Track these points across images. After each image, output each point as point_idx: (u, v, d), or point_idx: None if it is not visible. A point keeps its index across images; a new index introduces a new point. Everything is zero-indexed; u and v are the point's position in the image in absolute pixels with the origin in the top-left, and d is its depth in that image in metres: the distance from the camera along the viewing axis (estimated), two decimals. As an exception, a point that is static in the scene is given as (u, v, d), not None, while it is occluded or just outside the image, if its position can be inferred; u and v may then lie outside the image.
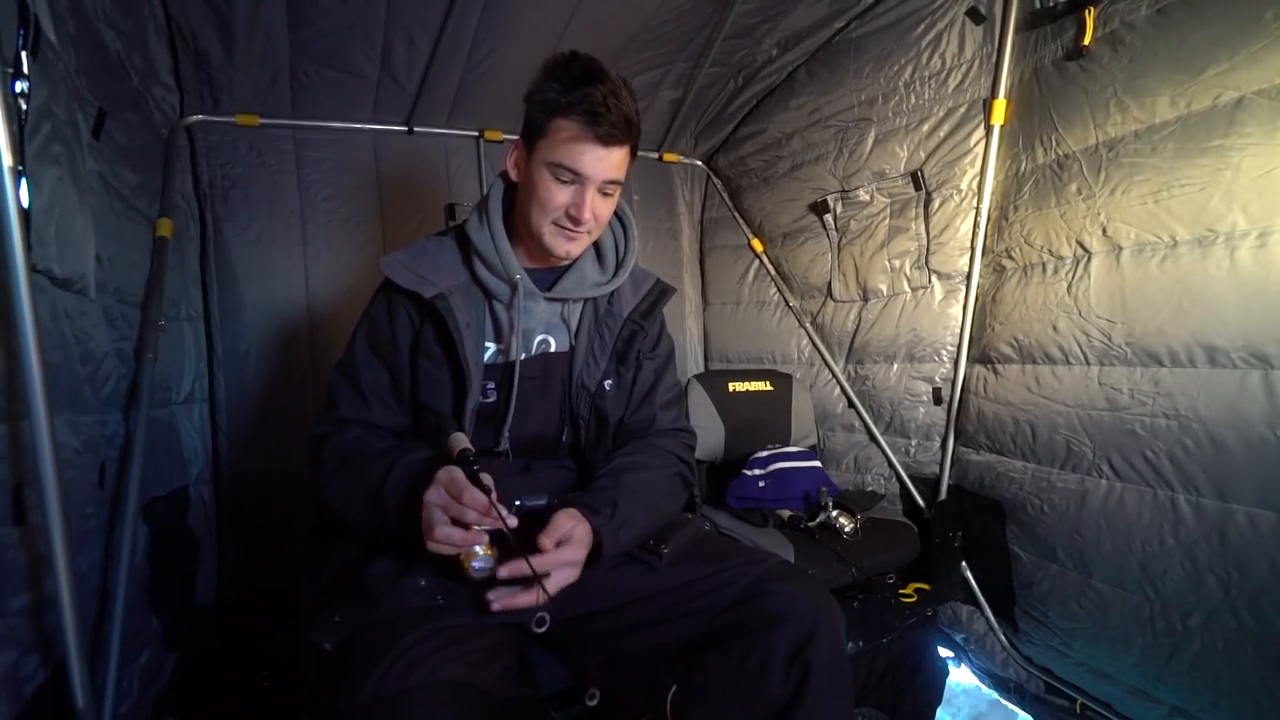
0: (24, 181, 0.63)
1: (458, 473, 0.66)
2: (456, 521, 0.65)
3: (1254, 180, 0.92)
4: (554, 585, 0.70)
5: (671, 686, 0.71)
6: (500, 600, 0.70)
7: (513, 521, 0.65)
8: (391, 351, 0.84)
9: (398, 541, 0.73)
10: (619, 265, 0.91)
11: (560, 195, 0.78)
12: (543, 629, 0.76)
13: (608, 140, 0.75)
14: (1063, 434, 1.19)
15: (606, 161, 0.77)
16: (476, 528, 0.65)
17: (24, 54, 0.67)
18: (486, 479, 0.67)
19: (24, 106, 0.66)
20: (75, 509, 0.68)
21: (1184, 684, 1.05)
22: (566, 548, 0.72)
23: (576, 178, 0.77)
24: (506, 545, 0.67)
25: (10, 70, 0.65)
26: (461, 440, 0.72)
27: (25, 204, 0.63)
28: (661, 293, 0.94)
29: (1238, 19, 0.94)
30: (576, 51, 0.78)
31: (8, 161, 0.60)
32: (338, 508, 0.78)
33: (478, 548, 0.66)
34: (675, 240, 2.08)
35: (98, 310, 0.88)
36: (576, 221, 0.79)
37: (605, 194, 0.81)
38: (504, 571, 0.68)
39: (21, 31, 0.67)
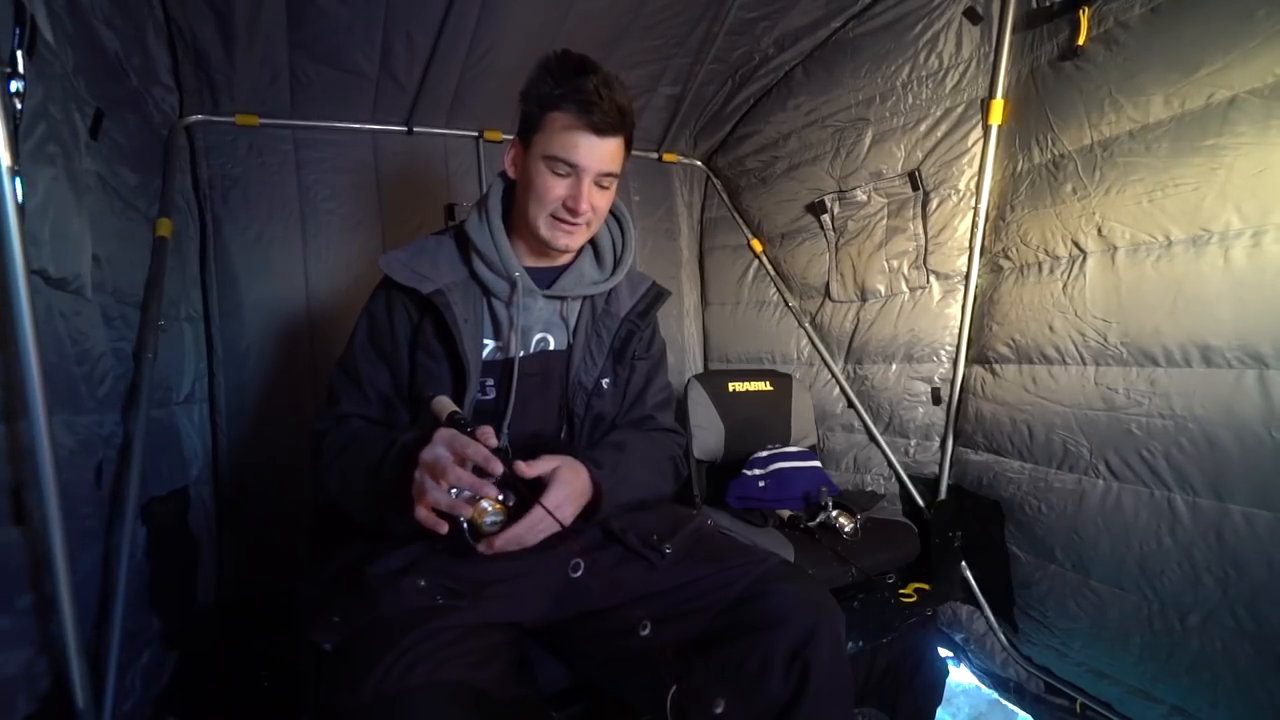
0: (18, 181, 0.63)
1: (456, 432, 0.66)
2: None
3: (1247, 179, 0.93)
4: (536, 538, 0.70)
5: (671, 686, 0.71)
6: (502, 539, 0.69)
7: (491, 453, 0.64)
8: (391, 348, 0.84)
9: (397, 536, 0.73)
10: (616, 264, 0.92)
11: (557, 188, 0.79)
12: (578, 574, 0.76)
13: (601, 129, 0.76)
14: (1060, 434, 1.19)
15: (601, 151, 0.78)
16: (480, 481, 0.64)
17: (19, 53, 0.67)
18: (485, 431, 0.66)
19: (19, 106, 0.66)
20: (73, 509, 0.68)
21: (1183, 683, 1.05)
22: (553, 489, 0.72)
23: (572, 169, 0.78)
24: (513, 504, 0.68)
25: (6, 70, 0.65)
26: (448, 404, 0.72)
27: (20, 203, 0.63)
28: (657, 295, 0.95)
29: (1230, 17, 0.94)
30: (568, 50, 0.79)
31: (6, 161, 0.60)
32: (336, 492, 0.78)
33: (486, 504, 0.66)
34: (674, 240, 2.08)
35: (95, 310, 0.88)
36: (574, 213, 0.80)
37: (602, 186, 0.81)
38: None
39: (18, 30, 0.67)
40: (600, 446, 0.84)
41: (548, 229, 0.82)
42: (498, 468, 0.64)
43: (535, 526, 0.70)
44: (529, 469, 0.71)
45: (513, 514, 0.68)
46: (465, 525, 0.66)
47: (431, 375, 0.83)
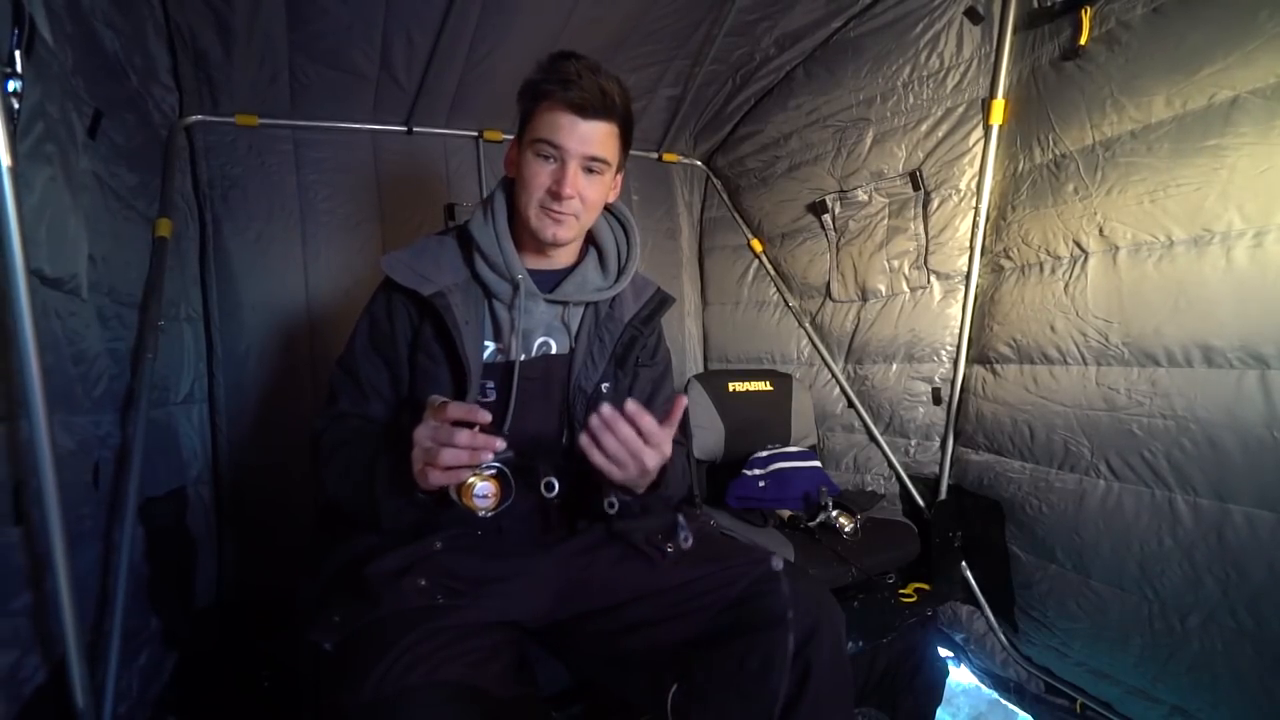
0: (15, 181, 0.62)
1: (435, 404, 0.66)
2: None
3: (1249, 180, 0.93)
4: (616, 458, 0.68)
5: (672, 685, 0.71)
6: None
7: (500, 445, 0.64)
8: (391, 349, 0.84)
9: (396, 535, 0.73)
10: (621, 270, 0.91)
11: (542, 173, 0.78)
12: (553, 494, 0.77)
13: (583, 110, 0.75)
14: (1061, 434, 1.19)
15: (584, 132, 0.76)
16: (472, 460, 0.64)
17: (17, 53, 0.66)
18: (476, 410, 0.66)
19: (16, 105, 0.66)
20: (70, 510, 0.68)
21: (1183, 684, 1.05)
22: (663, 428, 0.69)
23: (556, 152, 0.77)
24: (505, 480, 0.68)
25: (5, 70, 0.65)
26: (439, 398, 0.72)
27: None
28: (661, 301, 0.94)
29: (1232, 18, 0.94)
30: (564, 50, 0.79)
31: (5, 161, 0.60)
32: (332, 489, 0.78)
33: (474, 478, 0.66)
34: (675, 240, 2.08)
35: (90, 310, 0.88)
36: (557, 198, 0.78)
37: (590, 171, 0.80)
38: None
39: (16, 30, 0.67)
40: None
41: (536, 218, 0.81)
42: (484, 416, 0.63)
43: (653, 436, 0.67)
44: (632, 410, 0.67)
45: (503, 487, 0.68)
46: (454, 494, 0.67)
47: (431, 377, 0.82)
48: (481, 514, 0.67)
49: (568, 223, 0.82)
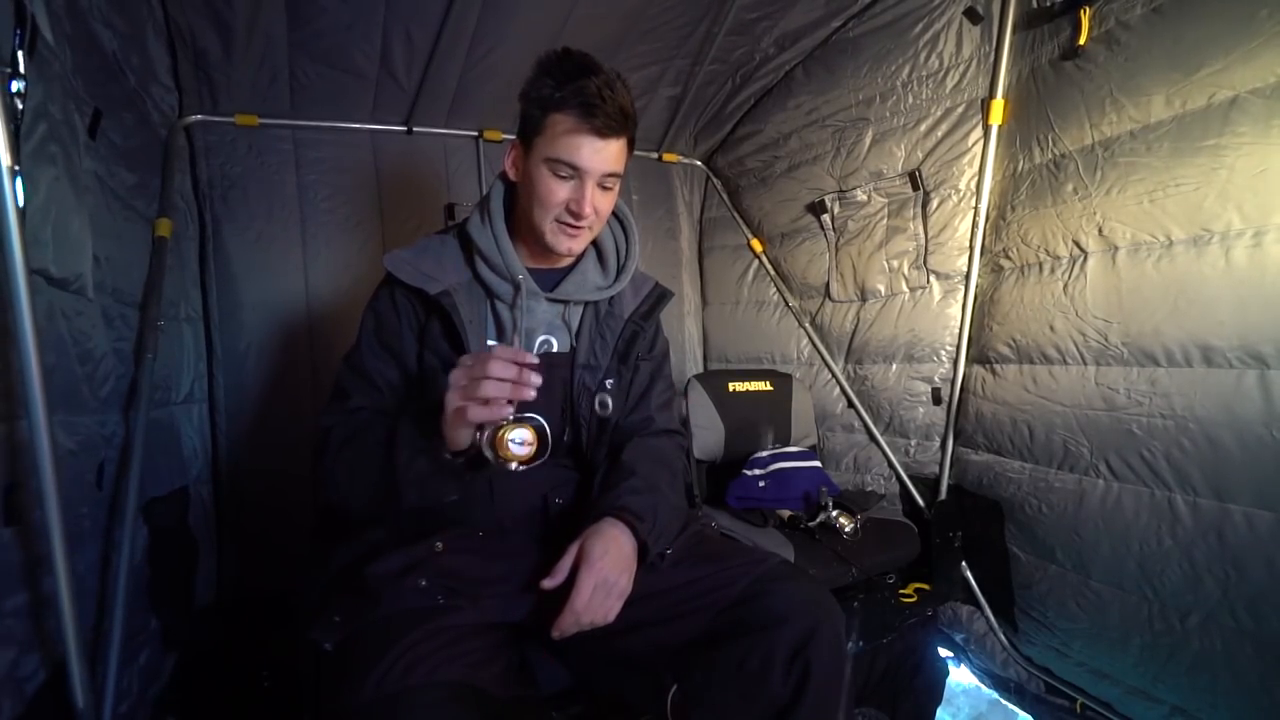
0: (19, 181, 0.62)
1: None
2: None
3: (1249, 179, 0.93)
4: (599, 614, 0.70)
5: (672, 686, 0.72)
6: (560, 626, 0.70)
7: (533, 359, 0.63)
8: (398, 342, 0.84)
9: (398, 534, 0.73)
10: (620, 269, 0.92)
11: (560, 191, 0.78)
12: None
13: (604, 132, 0.75)
14: (1060, 434, 1.19)
15: (604, 154, 0.77)
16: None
17: (20, 53, 0.67)
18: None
19: (20, 106, 0.66)
20: (71, 509, 0.68)
21: (1183, 684, 1.05)
22: (586, 574, 0.70)
23: (575, 172, 0.77)
24: (541, 431, 0.66)
25: (7, 70, 0.65)
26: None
27: (21, 203, 0.62)
28: (660, 296, 0.95)
29: (1232, 18, 0.94)
30: (569, 48, 0.78)
31: (6, 161, 0.60)
32: (343, 483, 0.76)
33: (510, 425, 0.64)
34: (674, 240, 2.08)
35: (96, 310, 0.88)
36: (577, 216, 0.79)
37: (605, 188, 0.80)
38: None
39: (18, 31, 0.67)
40: (630, 486, 0.81)
41: (552, 233, 0.81)
42: (530, 357, 0.63)
43: (587, 607, 0.69)
44: (551, 581, 0.71)
45: (540, 437, 0.67)
46: (487, 446, 0.65)
47: (435, 375, 0.82)
48: (514, 466, 0.64)
49: (584, 236, 0.83)
